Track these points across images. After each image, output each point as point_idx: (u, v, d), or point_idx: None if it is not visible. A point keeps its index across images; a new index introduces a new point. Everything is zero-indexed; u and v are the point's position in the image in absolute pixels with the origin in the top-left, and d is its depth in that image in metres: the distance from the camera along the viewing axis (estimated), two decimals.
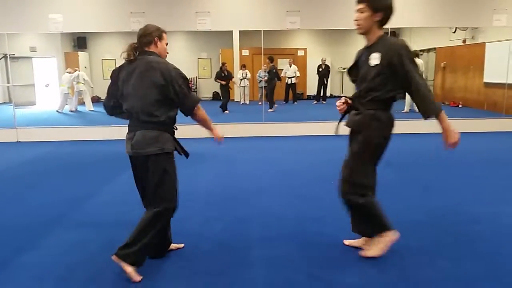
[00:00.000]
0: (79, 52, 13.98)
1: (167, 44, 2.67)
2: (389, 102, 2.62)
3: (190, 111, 2.61)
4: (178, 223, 3.47)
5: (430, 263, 2.71)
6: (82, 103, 12.02)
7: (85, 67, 13.04)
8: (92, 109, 11.80)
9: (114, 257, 2.50)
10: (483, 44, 10.96)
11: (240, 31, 13.69)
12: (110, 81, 2.64)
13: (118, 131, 7.84)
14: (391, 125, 2.63)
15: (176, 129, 2.67)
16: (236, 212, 3.70)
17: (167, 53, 2.69)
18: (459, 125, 7.59)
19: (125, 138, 2.63)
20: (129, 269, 2.49)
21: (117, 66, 2.63)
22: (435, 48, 13.22)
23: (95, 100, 14.58)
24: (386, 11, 2.52)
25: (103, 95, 16.79)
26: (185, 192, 4.36)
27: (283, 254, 2.86)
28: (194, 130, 7.95)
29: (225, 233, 3.24)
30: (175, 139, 2.66)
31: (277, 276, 2.54)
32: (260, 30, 8.28)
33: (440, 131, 2.47)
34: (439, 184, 4.55)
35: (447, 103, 12.36)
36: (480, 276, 2.53)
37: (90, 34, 13.97)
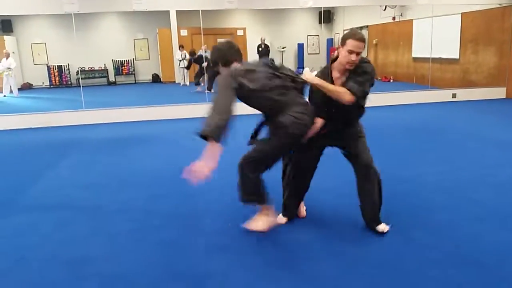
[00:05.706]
0: (4, 36, 13.14)
1: None
2: None
3: None
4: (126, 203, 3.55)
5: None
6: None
7: (13, 52, 12.28)
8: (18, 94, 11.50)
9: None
10: (411, 20, 11.63)
11: (177, 10, 13.44)
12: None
13: (55, 117, 7.59)
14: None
15: None
16: (183, 188, 3.78)
17: None
18: (390, 99, 8.07)
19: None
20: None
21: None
22: (367, 26, 13.83)
23: (27, 87, 13.83)
24: None
25: (34, 81, 15.82)
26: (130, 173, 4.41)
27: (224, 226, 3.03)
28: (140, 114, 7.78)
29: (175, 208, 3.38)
30: None
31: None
32: (198, 10, 8.25)
33: None
34: (372, 151, 4.91)
35: (379, 78, 13.06)
36: (413, 225, 2.90)
37: (17, 16, 13.16)
